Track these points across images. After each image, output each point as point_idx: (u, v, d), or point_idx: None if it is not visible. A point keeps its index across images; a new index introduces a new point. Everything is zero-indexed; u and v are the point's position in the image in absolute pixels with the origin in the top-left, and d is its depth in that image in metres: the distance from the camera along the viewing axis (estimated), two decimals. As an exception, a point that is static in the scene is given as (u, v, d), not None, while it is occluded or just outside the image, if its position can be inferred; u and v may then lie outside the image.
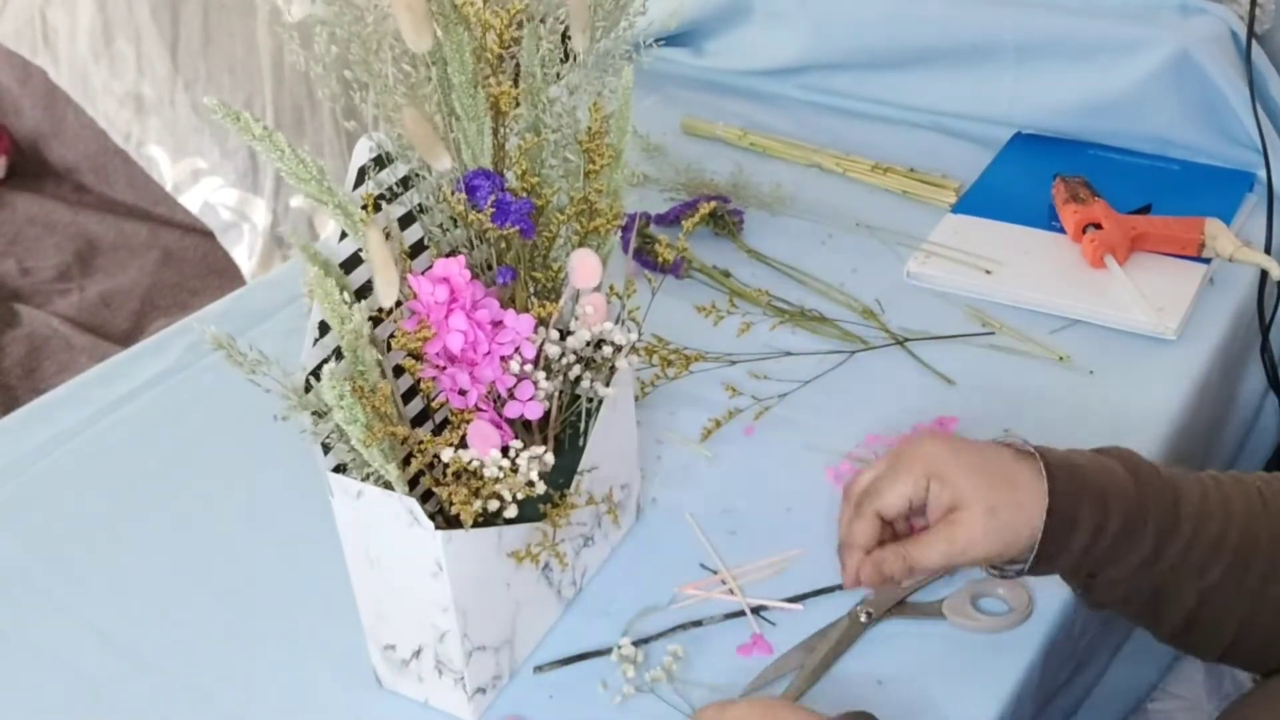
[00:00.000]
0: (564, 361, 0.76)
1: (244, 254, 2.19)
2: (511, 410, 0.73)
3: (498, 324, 0.73)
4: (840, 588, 0.86)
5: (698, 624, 0.85)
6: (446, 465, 0.71)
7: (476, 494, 0.71)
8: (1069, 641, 0.90)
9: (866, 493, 0.76)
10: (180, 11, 2.15)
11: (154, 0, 2.13)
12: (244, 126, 0.64)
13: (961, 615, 0.83)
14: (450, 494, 0.70)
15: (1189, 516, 0.71)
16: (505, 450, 0.71)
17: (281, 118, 2.18)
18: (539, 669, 0.82)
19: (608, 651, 0.83)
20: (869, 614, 0.83)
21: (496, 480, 0.70)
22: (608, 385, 0.80)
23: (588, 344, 0.77)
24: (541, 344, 0.74)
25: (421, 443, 0.71)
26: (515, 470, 0.71)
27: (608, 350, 0.79)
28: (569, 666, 0.83)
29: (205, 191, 2.20)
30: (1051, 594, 0.85)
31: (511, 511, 0.71)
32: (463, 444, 0.72)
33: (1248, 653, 0.74)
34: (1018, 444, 0.75)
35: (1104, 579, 0.73)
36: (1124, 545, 0.71)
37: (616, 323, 0.80)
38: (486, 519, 0.72)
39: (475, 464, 0.70)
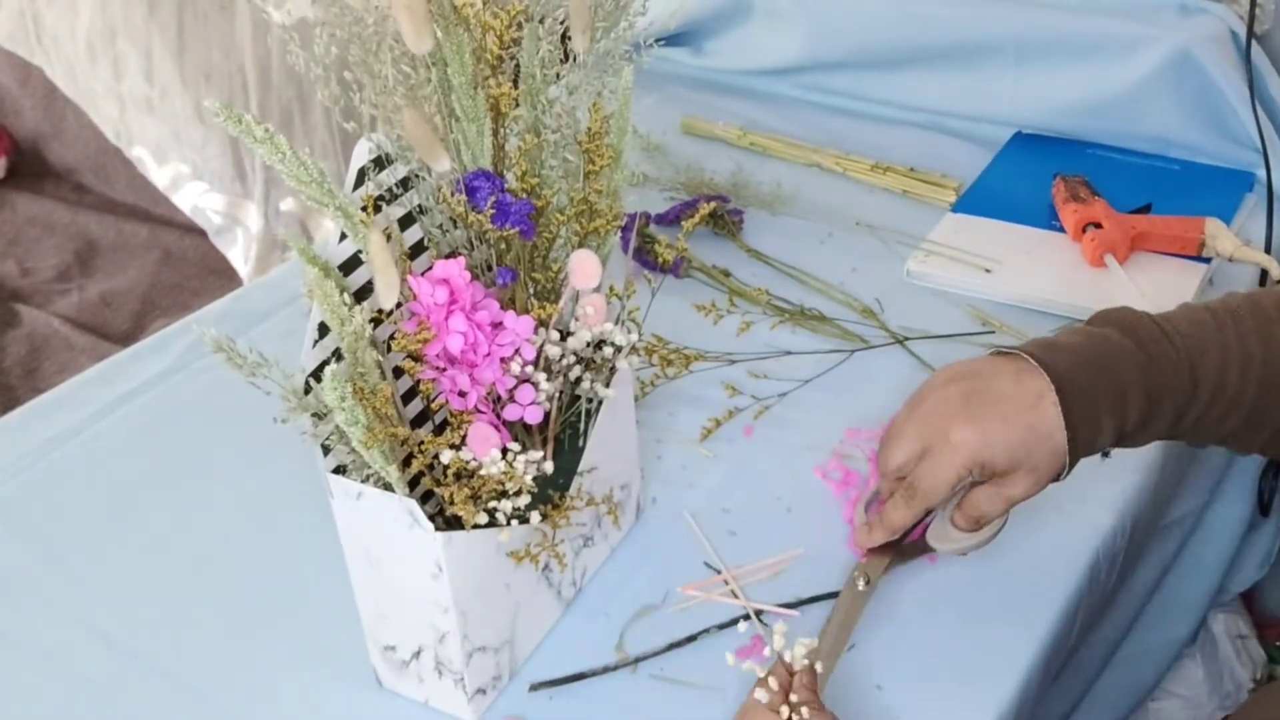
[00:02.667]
0: (564, 362, 0.76)
1: (239, 257, 2.19)
2: (511, 413, 0.73)
3: (497, 325, 0.73)
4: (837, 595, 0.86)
5: (693, 639, 0.84)
6: (446, 466, 0.71)
7: (476, 499, 0.70)
8: (1067, 643, 0.90)
9: (912, 489, 0.78)
10: (175, 15, 2.15)
11: (147, 3, 2.13)
12: (246, 129, 0.64)
13: (945, 541, 0.83)
14: (450, 494, 0.70)
15: (1206, 387, 0.76)
16: (504, 452, 0.71)
17: (269, 121, 2.18)
18: (534, 687, 0.81)
19: (603, 671, 0.82)
20: (866, 579, 0.84)
21: (499, 481, 0.70)
22: (608, 386, 0.80)
23: (588, 345, 0.77)
24: (542, 345, 0.74)
25: (422, 443, 0.71)
26: (513, 469, 0.71)
27: (608, 351, 0.79)
28: (567, 667, 0.83)
29: (194, 195, 2.20)
30: (1050, 599, 0.86)
31: (524, 500, 0.71)
32: (462, 444, 0.72)
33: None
34: (1018, 355, 0.78)
35: (1126, 446, 0.80)
36: (1143, 430, 0.77)
37: (616, 323, 0.80)
38: (491, 520, 0.72)
39: (474, 464, 0.70)
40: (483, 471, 0.70)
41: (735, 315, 1.13)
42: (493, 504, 0.71)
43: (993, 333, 1.10)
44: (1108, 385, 0.75)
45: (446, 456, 0.70)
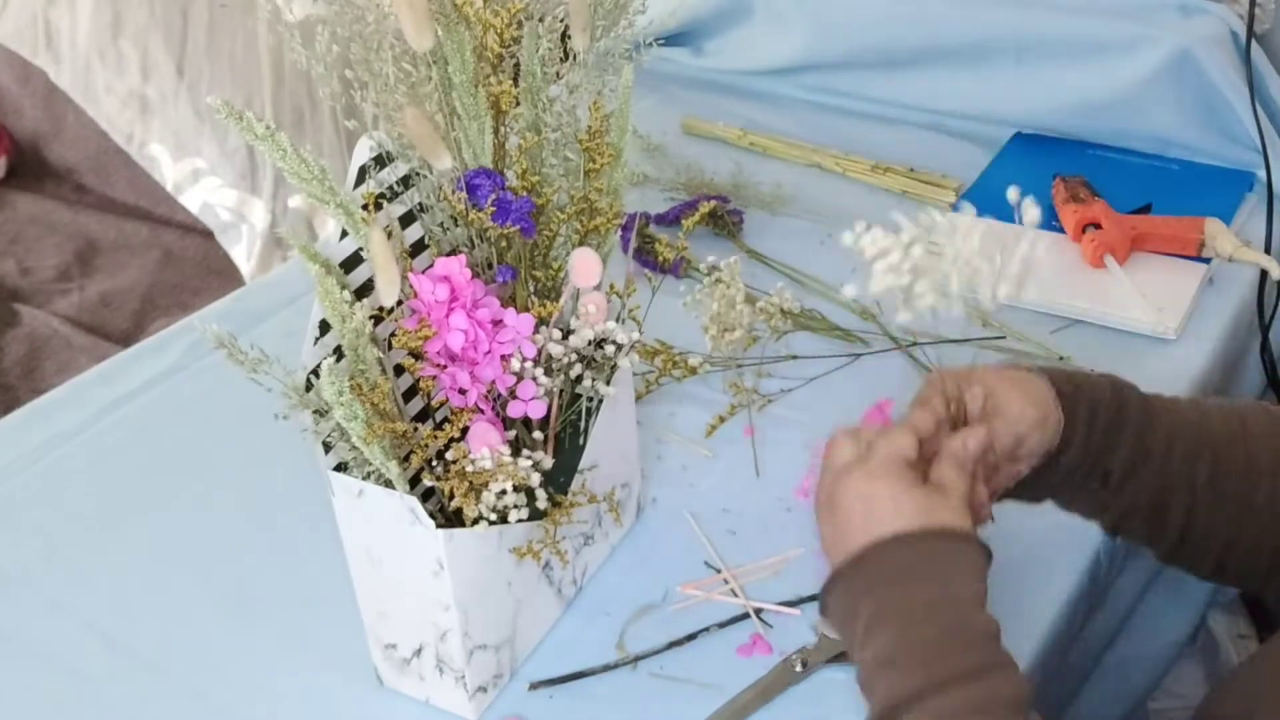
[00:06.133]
0: (566, 360, 0.76)
1: (242, 255, 2.19)
2: (515, 410, 0.73)
3: (498, 323, 0.73)
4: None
5: (692, 637, 0.84)
6: (447, 461, 0.71)
7: (475, 489, 0.70)
8: (1067, 641, 0.90)
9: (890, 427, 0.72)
10: (186, 11, 2.15)
11: (161, 3, 2.14)
12: (247, 126, 0.64)
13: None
14: (451, 488, 0.70)
15: (1164, 427, 0.75)
16: (515, 447, 0.71)
17: (281, 117, 2.19)
18: (535, 685, 0.82)
19: (603, 669, 0.82)
20: (804, 663, 0.81)
21: (492, 473, 0.69)
22: (609, 384, 0.80)
23: (590, 343, 0.77)
24: (544, 345, 0.74)
25: (423, 438, 0.71)
26: (514, 461, 0.71)
27: (609, 349, 0.79)
28: (567, 665, 0.83)
29: (205, 192, 2.21)
30: (1051, 597, 0.86)
31: (522, 513, 0.71)
32: (462, 438, 0.72)
33: (1234, 570, 0.78)
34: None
35: (1114, 482, 0.75)
36: (1111, 440, 0.75)
37: (617, 321, 0.80)
38: (500, 518, 0.72)
39: (473, 460, 0.70)
40: (470, 468, 0.70)
41: (735, 315, 1.13)
42: (498, 495, 0.71)
43: (1002, 337, 1.10)
44: (1079, 381, 0.75)
45: (452, 454, 0.70)
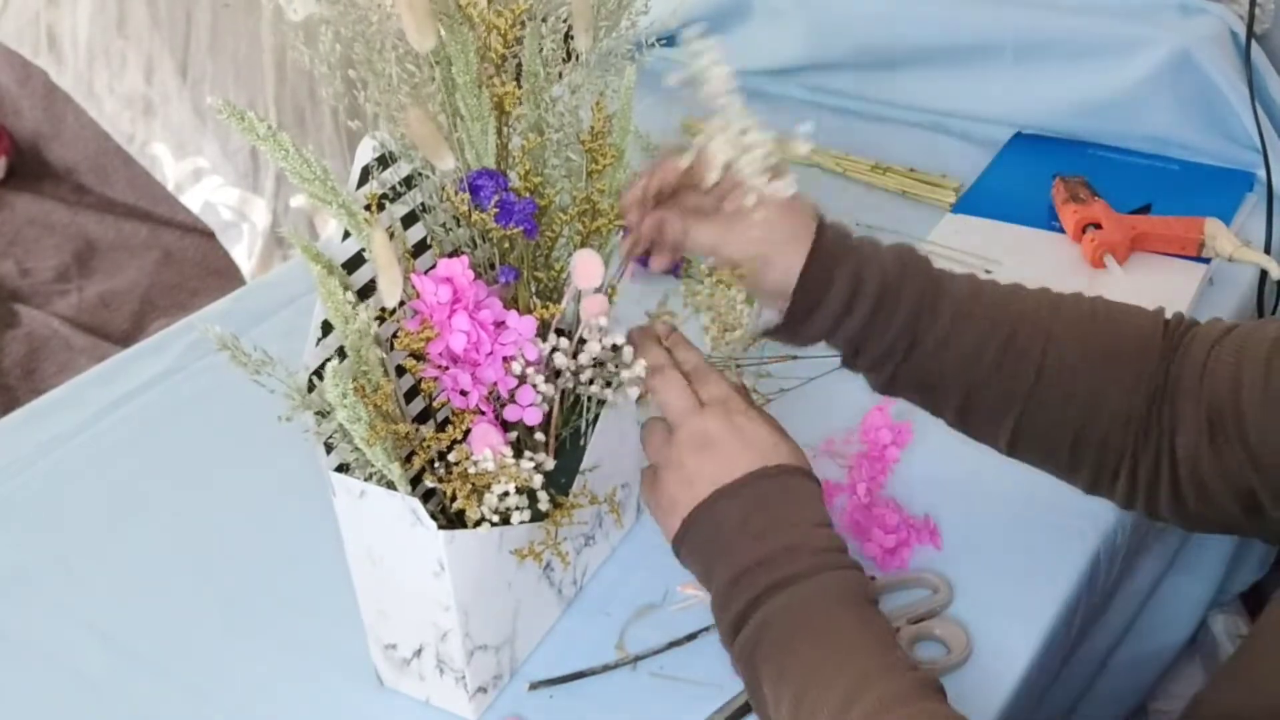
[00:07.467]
0: (576, 365, 0.76)
1: (243, 254, 2.19)
2: (511, 414, 0.73)
3: (500, 324, 0.73)
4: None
5: (692, 637, 0.84)
6: (449, 462, 0.71)
7: (477, 490, 0.70)
8: (1066, 641, 0.90)
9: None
10: (190, 11, 2.15)
11: (158, 0, 2.14)
12: (248, 126, 0.64)
13: None
14: (454, 489, 0.70)
15: (948, 309, 0.76)
16: (516, 449, 0.71)
17: (284, 117, 2.19)
18: (534, 685, 0.82)
19: (603, 669, 0.83)
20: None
21: (494, 475, 0.69)
22: (608, 386, 0.80)
23: (597, 358, 0.77)
24: (550, 354, 0.74)
25: (425, 439, 0.71)
26: (516, 463, 0.71)
27: (623, 354, 0.79)
28: (567, 665, 0.83)
29: (206, 191, 2.20)
30: (1051, 596, 0.86)
31: (524, 516, 0.71)
32: (464, 439, 0.72)
33: (1032, 447, 0.78)
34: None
35: (866, 357, 0.79)
36: (877, 321, 0.76)
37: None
38: (502, 519, 0.72)
39: (474, 461, 0.70)
40: (473, 469, 0.70)
41: (736, 315, 1.12)
42: (500, 496, 0.71)
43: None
44: (855, 258, 0.77)
45: (454, 455, 0.70)
